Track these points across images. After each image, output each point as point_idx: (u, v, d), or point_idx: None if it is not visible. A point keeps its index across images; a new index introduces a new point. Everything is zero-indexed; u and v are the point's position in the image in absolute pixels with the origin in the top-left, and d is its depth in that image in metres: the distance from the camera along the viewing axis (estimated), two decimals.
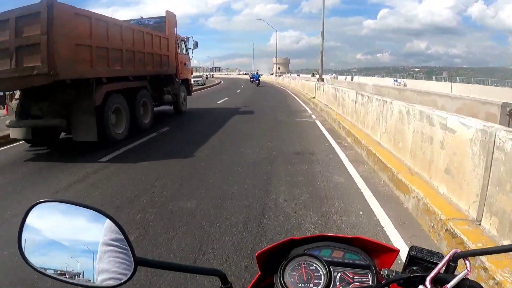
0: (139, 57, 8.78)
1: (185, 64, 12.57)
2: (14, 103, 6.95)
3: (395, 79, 49.82)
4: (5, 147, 7.51)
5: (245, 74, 75.44)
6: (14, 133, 7.20)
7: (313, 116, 11.80)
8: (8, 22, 5.92)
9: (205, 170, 5.34)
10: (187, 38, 13.07)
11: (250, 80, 40.73)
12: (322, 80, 18.89)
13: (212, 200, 3.99)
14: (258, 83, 35.03)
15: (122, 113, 7.81)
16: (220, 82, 47.33)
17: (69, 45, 6.17)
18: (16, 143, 7.67)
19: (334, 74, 73.93)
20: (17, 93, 7.15)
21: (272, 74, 75.16)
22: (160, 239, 3.08)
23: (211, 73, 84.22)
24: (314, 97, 16.79)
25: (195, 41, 13.34)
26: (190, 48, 13.33)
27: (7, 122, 6.92)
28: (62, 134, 7.80)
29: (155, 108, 10.19)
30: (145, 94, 9.16)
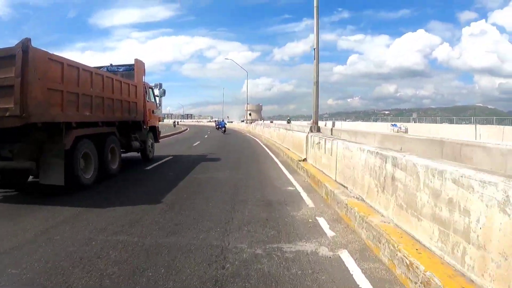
0: (108, 103, 8.76)
1: (152, 111, 12.63)
2: None
3: (393, 123, 38.10)
4: None
5: (215, 121, 75.04)
6: None
7: (326, 228, 4.77)
8: None
9: None
10: (160, 85, 13.29)
11: (216, 128, 42.32)
12: (319, 129, 11.68)
13: None
14: (224, 130, 36.59)
15: (91, 158, 7.61)
16: (186, 129, 45.91)
17: (42, 89, 6.09)
18: None
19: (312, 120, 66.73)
20: None
21: (243, 121, 66.45)
22: None
23: (177, 120, 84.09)
24: (304, 160, 10.14)
25: (163, 89, 13.61)
26: (158, 96, 13.49)
27: None
28: (30, 177, 7.48)
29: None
30: (113, 140, 9.02)
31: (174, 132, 34.51)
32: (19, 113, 5.66)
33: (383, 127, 36.46)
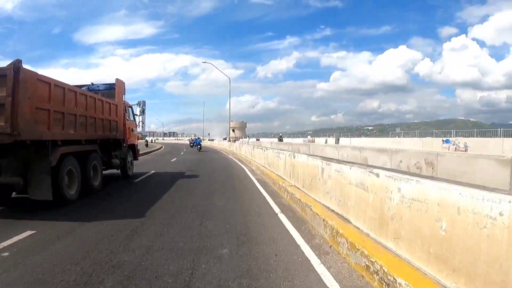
0: (90, 122, 9.03)
1: (132, 129, 12.92)
2: None
3: (446, 139, 28.38)
4: None
5: (190, 139, 72.22)
6: None
7: None
8: None
9: None
10: (143, 103, 13.59)
11: (190, 145, 42.80)
12: None
13: None
14: (200, 148, 36.95)
15: (75, 175, 7.82)
16: (160, 148, 44.22)
17: (31, 108, 6.37)
18: None
19: (309, 137, 54.68)
20: None
21: (225, 139, 54.48)
22: None
23: (152, 139, 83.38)
24: None
25: (142, 108, 13.96)
26: (137, 115, 13.79)
27: None
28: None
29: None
30: (95, 158, 9.23)
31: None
32: (10, 131, 5.91)
33: (417, 144, 26.58)
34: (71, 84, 8.58)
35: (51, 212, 6.56)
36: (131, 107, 13.32)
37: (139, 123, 13.65)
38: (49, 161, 6.80)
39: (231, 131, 49.31)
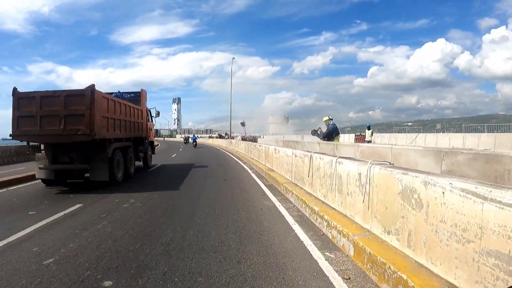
0: (128, 124, 12.02)
1: (151, 129, 15.94)
2: (42, 153, 9.80)
3: None
4: (25, 184, 10.54)
5: (220, 137, 65.11)
6: (40, 174, 9.94)
7: None
8: (59, 98, 9.01)
9: None
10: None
11: (184, 142, 48.30)
12: None
13: None
14: (195, 145, 39.90)
15: (120, 164, 10.84)
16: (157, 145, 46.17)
17: (99, 117, 9.36)
18: (29, 183, 10.69)
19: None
20: (42, 146, 10.00)
21: None
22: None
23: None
24: None
25: (157, 111, 17.02)
26: (153, 116, 16.79)
27: (41, 165, 9.66)
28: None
29: None
30: (131, 151, 12.26)
31: None
32: (88, 132, 8.89)
33: None
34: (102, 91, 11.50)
35: (108, 188, 9.59)
36: (150, 111, 16.29)
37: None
38: (107, 153, 9.81)
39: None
